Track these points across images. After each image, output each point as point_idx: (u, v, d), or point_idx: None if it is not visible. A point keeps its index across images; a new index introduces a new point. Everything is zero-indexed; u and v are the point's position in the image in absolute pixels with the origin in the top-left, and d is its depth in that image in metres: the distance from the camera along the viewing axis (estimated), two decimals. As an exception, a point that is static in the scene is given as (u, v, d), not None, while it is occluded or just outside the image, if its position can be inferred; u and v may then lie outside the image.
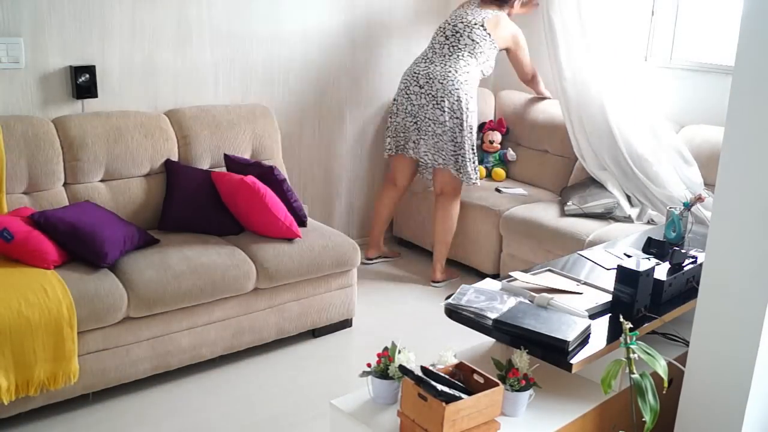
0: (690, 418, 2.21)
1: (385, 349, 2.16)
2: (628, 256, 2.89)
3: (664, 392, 2.09)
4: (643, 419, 2.02)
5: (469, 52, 4.04)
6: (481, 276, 4.09)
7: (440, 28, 4.19)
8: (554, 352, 2.16)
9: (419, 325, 3.73)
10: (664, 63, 4.33)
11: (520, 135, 4.75)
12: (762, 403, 2.14)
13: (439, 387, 1.92)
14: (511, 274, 2.69)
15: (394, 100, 4.19)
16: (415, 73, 4.09)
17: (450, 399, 1.91)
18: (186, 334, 3.10)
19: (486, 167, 4.71)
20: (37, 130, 3.20)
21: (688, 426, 2.22)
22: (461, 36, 4.06)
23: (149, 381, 3.09)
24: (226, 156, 3.65)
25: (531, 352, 2.17)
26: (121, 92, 3.60)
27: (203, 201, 3.42)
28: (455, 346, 2.34)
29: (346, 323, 3.70)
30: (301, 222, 3.55)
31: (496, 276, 3.82)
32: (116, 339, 2.90)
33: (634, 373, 2.05)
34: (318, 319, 3.54)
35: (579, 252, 3.07)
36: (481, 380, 2.04)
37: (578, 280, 2.68)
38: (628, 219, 3.90)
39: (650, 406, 2.02)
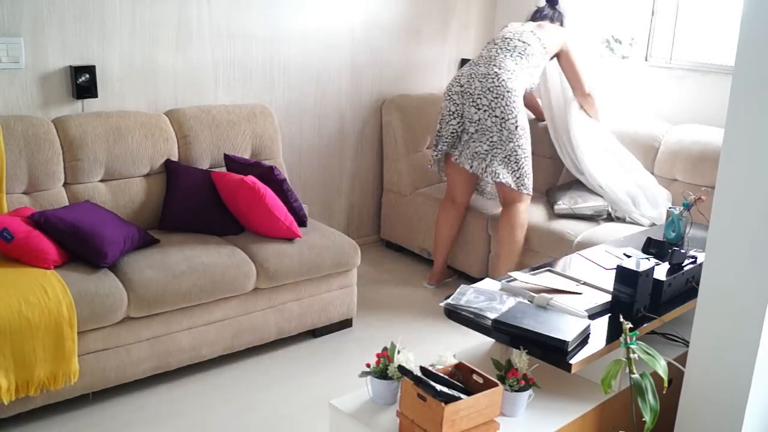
0: (690, 418, 2.21)
1: (385, 349, 2.16)
2: (628, 256, 2.88)
3: (664, 392, 2.09)
4: (643, 419, 2.03)
5: (519, 53, 3.79)
6: (469, 279, 4.09)
7: (489, 41, 4.00)
8: (553, 352, 2.16)
9: (419, 325, 3.73)
10: (664, 63, 4.34)
11: None
12: (762, 403, 2.14)
13: (438, 387, 1.92)
14: (510, 274, 2.69)
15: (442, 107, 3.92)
16: (457, 76, 3.87)
17: (449, 399, 1.91)
18: (186, 334, 3.10)
19: None
20: (37, 130, 3.20)
21: (688, 426, 2.22)
22: (511, 40, 3.85)
23: (149, 381, 3.09)
24: (226, 156, 3.65)
25: (530, 353, 2.17)
26: (121, 92, 3.60)
27: (203, 201, 3.42)
28: (455, 346, 2.34)
29: (346, 323, 3.69)
30: (301, 222, 3.55)
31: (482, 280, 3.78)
32: (116, 339, 2.90)
33: (634, 373, 2.05)
34: (318, 319, 3.54)
35: (579, 252, 3.07)
36: (481, 380, 2.04)
37: (578, 281, 2.68)
38: (609, 217, 3.90)
39: (650, 406, 2.02)
